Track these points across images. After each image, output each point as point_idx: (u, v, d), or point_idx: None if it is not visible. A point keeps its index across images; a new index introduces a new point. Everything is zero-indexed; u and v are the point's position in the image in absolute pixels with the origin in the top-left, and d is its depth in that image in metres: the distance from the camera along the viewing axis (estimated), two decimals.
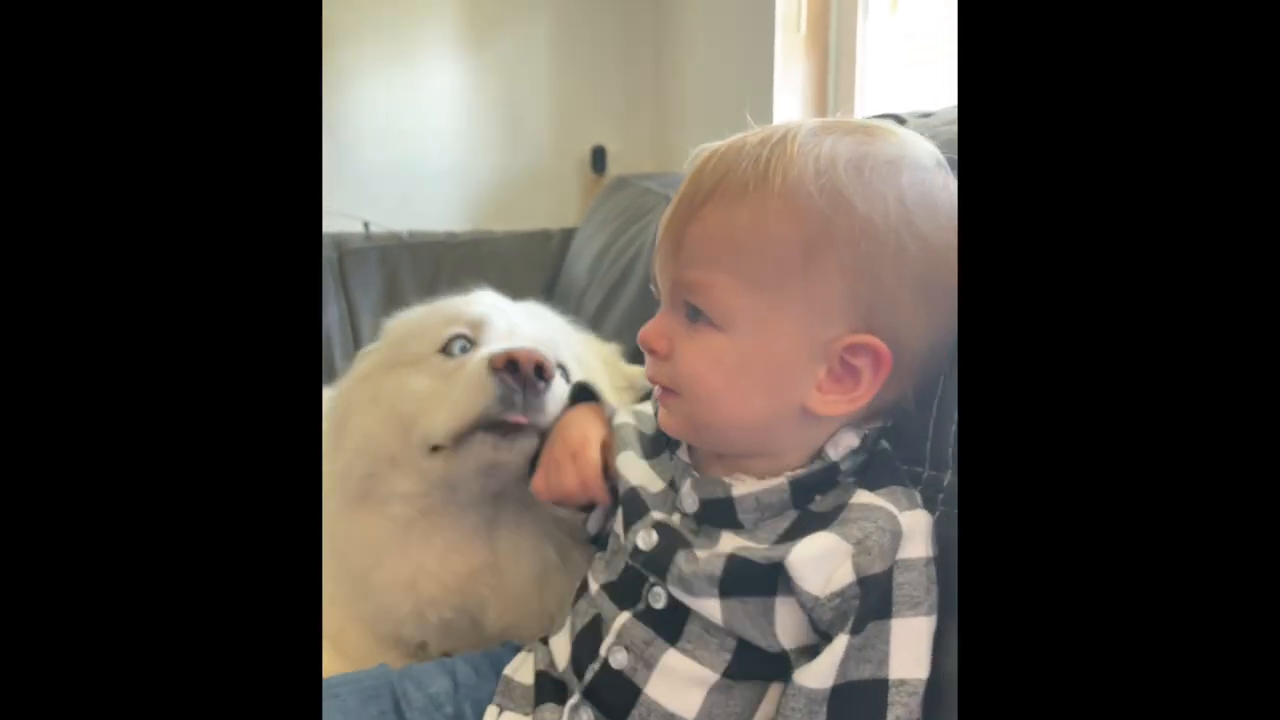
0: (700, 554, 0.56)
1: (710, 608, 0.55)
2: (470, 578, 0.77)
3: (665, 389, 0.59)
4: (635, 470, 0.64)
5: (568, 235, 1.89)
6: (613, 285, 1.28)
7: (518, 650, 0.70)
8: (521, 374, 0.70)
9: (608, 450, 0.68)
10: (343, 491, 0.80)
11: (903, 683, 0.51)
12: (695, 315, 0.56)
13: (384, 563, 0.77)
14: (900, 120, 0.90)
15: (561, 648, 0.64)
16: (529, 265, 1.85)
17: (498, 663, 0.70)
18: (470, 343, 0.79)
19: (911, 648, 0.51)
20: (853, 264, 0.52)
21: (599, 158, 2.30)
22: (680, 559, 0.56)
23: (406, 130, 2.27)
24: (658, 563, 0.58)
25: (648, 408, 0.70)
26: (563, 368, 0.79)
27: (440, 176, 2.29)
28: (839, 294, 0.53)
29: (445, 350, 0.79)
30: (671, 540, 0.58)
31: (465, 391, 0.71)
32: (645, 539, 0.59)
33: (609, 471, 0.67)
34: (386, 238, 1.90)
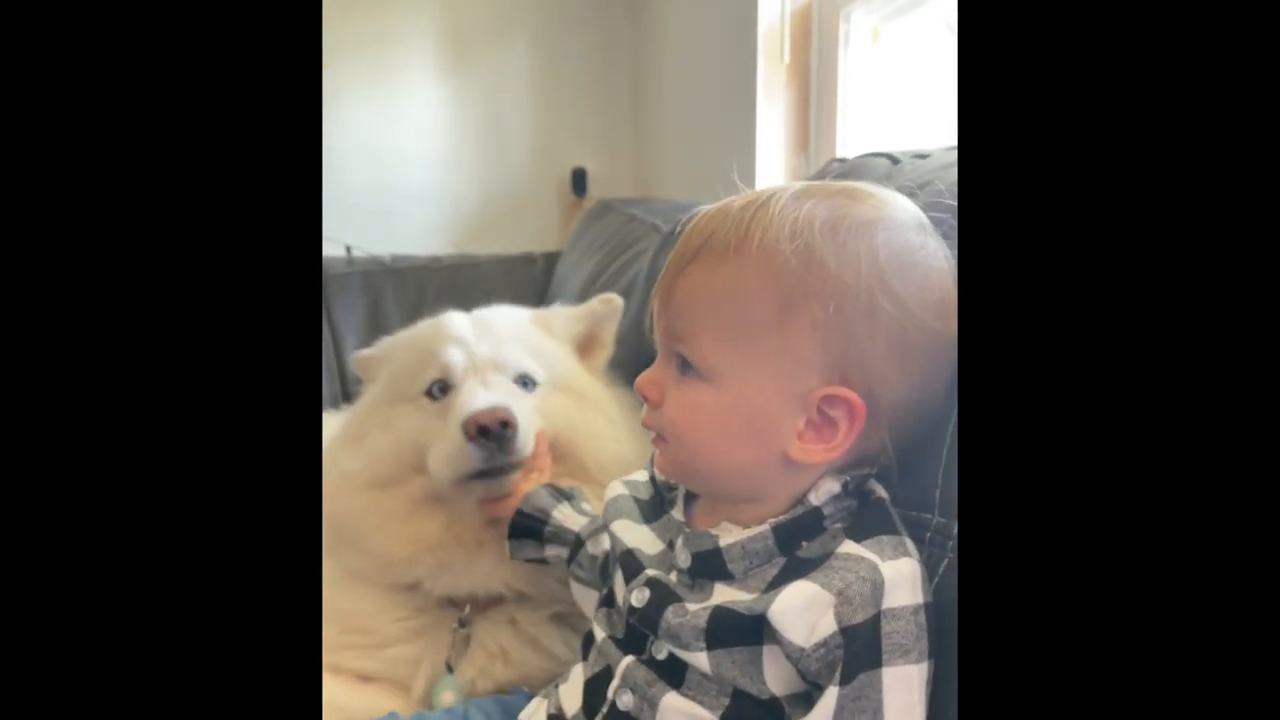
0: (690, 607, 0.58)
1: (699, 660, 0.57)
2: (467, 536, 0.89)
3: (658, 436, 0.62)
4: (631, 534, 0.66)
5: (551, 259, 1.90)
6: None
7: (530, 697, 0.71)
8: (493, 435, 0.83)
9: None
10: (356, 480, 0.93)
11: None
12: (685, 367, 0.59)
13: (386, 524, 0.90)
14: (894, 160, 0.92)
15: (571, 696, 0.65)
16: (513, 289, 1.86)
17: (510, 709, 0.71)
18: (445, 385, 0.93)
19: (904, 696, 0.53)
20: (825, 320, 0.55)
21: (579, 180, 2.31)
22: (669, 613, 0.58)
23: (386, 152, 2.26)
24: (650, 618, 0.60)
25: (641, 475, 0.73)
26: (526, 379, 0.94)
27: (420, 199, 2.29)
28: (813, 348, 0.56)
29: (429, 394, 0.93)
30: (662, 595, 0.60)
31: (449, 459, 0.86)
32: (639, 596, 0.61)
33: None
34: (369, 262, 1.89)
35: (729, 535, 0.59)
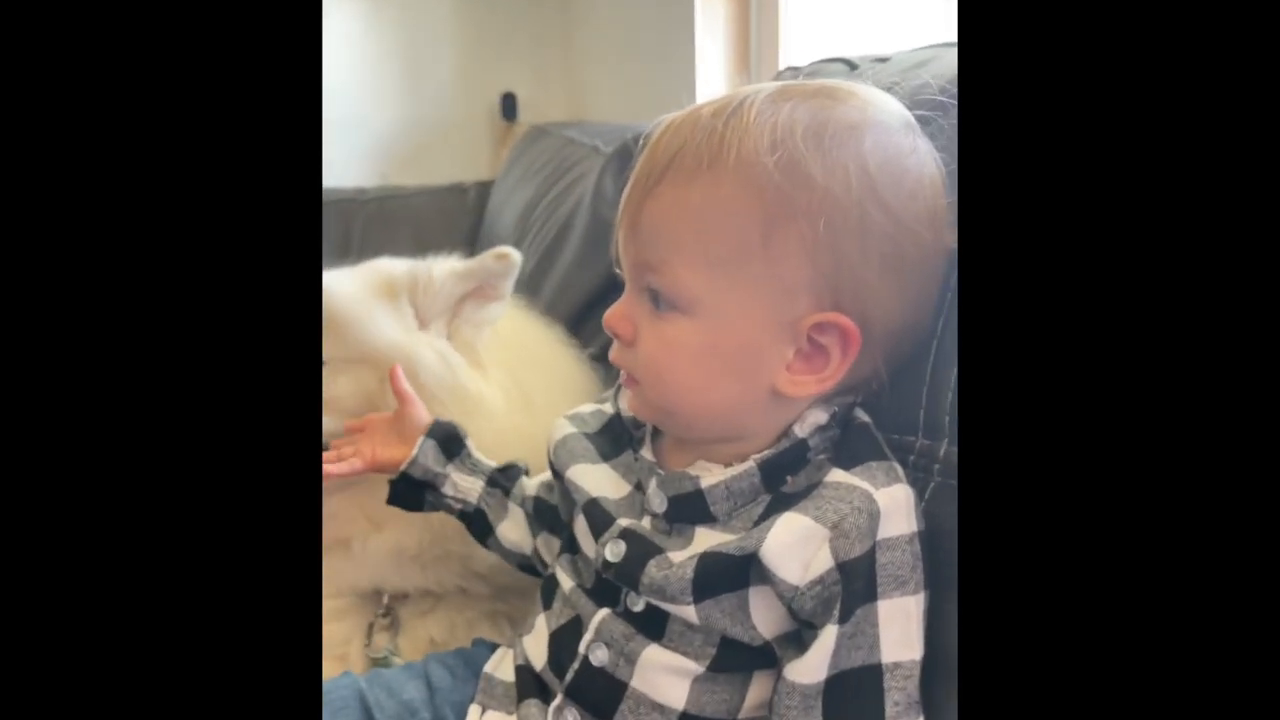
0: (674, 557, 0.54)
1: (686, 612, 0.53)
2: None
3: (629, 376, 0.57)
4: (592, 479, 0.61)
5: (484, 189, 1.82)
6: (547, 246, 1.23)
7: (493, 648, 0.67)
8: None
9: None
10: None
11: (897, 665, 0.50)
12: (659, 300, 0.54)
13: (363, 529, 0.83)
14: (852, 65, 0.87)
15: (536, 648, 0.61)
16: (444, 222, 1.79)
17: (473, 661, 0.67)
18: None
19: (902, 629, 0.50)
20: (814, 239, 0.50)
21: (509, 105, 2.21)
22: (651, 567, 0.54)
23: None
24: (629, 574, 0.55)
25: (586, 407, 0.67)
26: None
27: (341, 129, 2.16)
28: (802, 271, 0.51)
29: None
30: (641, 548, 0.55)
31: None
32: (613, 550, 0.56)
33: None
34: None
35: (710, 475, 0.55)
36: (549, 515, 0.70)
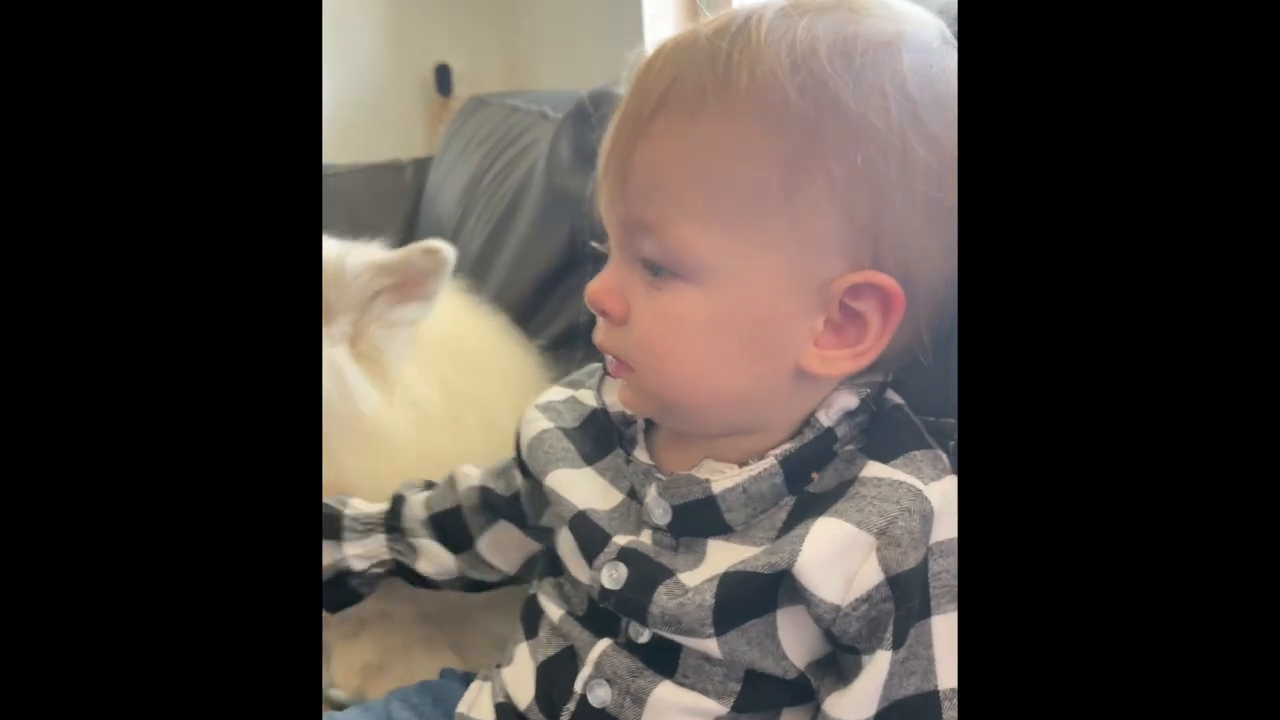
0: (686, 579, 0.45)
1: (707, 646, 0.45)
2: None
3: (620, 361, 0.47)
4: (576, 488, 0.52)
5: (422, 166, 1.71)
6: (496, 222, 1.12)
7: (465, 679, 0.58)
8: None
9: None
10: None
11: (954, 691, 0.43)
12: (657, 267, 0.45)
13: None
14: None
15: (519, 683, 0.52)
16: (380, 202, 1.67)
17: (442, 697, 0.58)
18: None
19: (950, 646, 0.43)
20: (848, 181, 0.42)
21: (444, 77, 2.09)
22: (662, 595, 0.45)
23: None
24: (633, 604, 0.46)
25: (558, 393, 0.57)
26: None
27: None
28: (833, 222, 0.42)
29: None
30: (646, 571, 0.46)
31: None
32: (612, 575, 0.47)
33: None
34: None
35: (723, 478, 0.46)
36: (502, 507, 0.60)
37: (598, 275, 0.47)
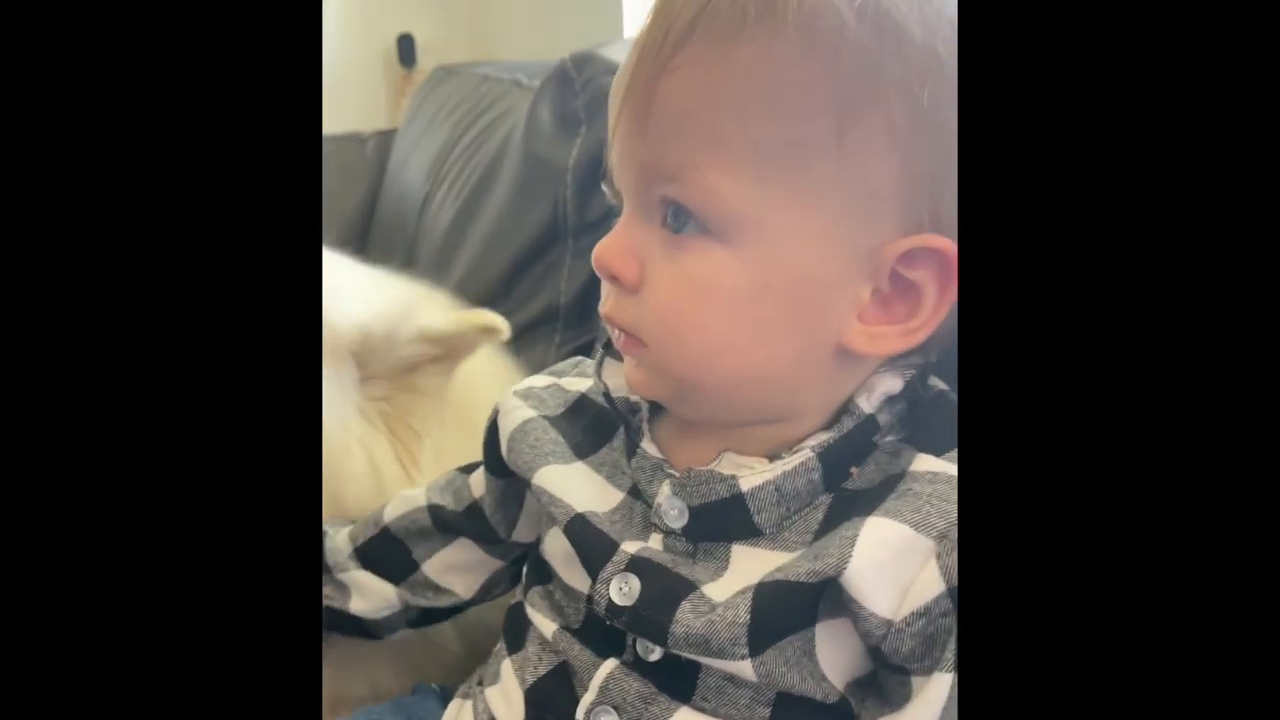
0: (712, 593, 0.39)
1: (740, 668, 0.39)
2: None
3: (630, 336, 0.41)
4: (571, 487, 0.45)
5: (385, 138, 1.64)
6: (468, 196, 1.06)
7: (443, 696, 0.52)
8: None
9: None
10: None
11: None
12: (680, 221, 0.38)
13: None
14: None
15: (506, 705, 0.46)
16: (341, 176, 1.59)
17: (414, 716, 0.51)
18: None
19: None
20: (911, 126, 0.36)
21: (407, 48, 2.01)
22: (685, 612, 0.39)
23: None
24: (650, 623, 0.40)
25: (539, 379, 0.51)
26: None
27: None
28: (889, 173, 0.37)
29: None
30: (665, 585, 0.40)
31: None
32: (621, 589, 0.41)
33: None
34: None
35: (752, 473, 0.40)
36: (459, 523, 0.53)
37: (606, 237, 0.41)
